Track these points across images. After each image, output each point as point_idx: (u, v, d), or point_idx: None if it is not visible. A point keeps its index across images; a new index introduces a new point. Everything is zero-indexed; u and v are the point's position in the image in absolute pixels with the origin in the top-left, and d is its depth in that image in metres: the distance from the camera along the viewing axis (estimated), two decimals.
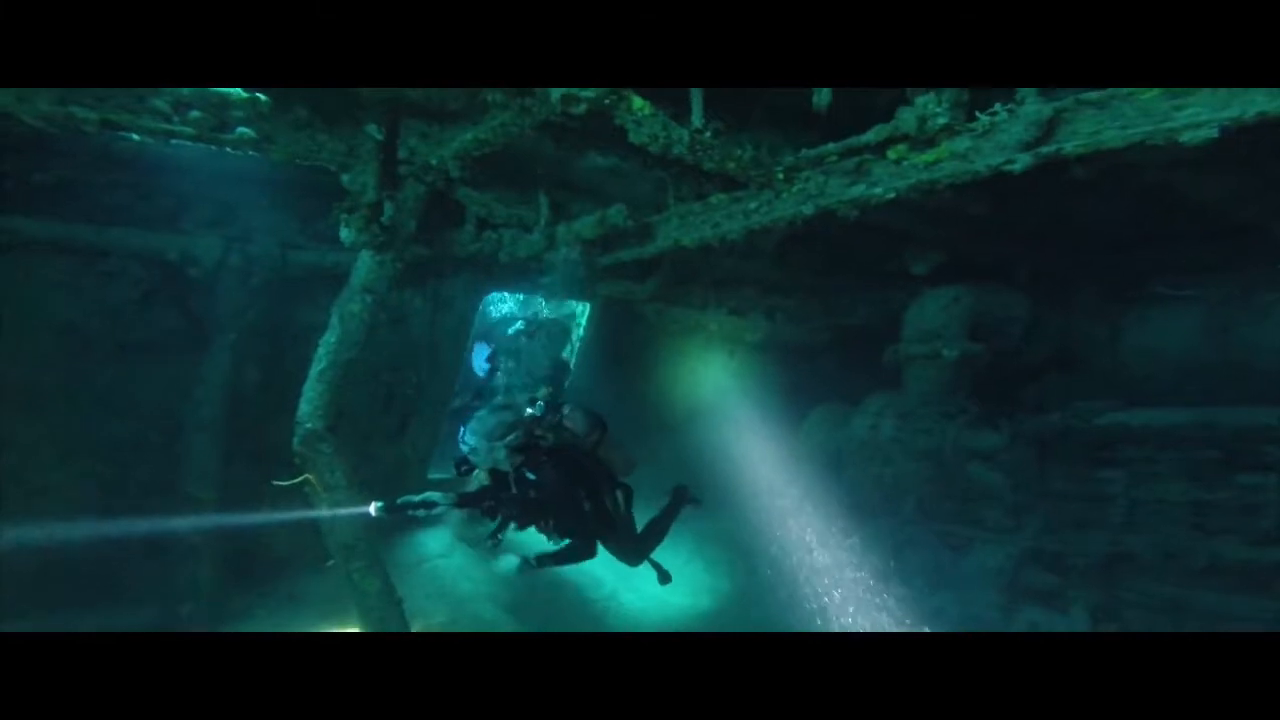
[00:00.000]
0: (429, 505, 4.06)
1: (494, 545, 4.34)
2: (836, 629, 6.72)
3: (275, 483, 4.66)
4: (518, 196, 5.60)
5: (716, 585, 8.06)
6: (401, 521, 6.76)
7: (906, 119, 3.50)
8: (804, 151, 4.14)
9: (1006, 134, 3.32)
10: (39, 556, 5.56)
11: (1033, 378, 7.58)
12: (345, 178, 4.62)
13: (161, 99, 3.82)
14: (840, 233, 5.15)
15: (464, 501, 4.22)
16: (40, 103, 3.57)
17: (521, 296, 9.34)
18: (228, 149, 4.27)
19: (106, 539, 5.54)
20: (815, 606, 6.96)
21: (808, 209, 4.17)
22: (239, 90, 4.03)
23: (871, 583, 6.83)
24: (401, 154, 4.62)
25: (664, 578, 4.94)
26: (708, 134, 3.77)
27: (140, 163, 5.09)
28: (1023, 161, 3.29)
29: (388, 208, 4.57)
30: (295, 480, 4.67)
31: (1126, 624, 6.28)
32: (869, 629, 6.62)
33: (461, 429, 4.17)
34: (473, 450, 4.13)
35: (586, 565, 4.55)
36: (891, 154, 3.74)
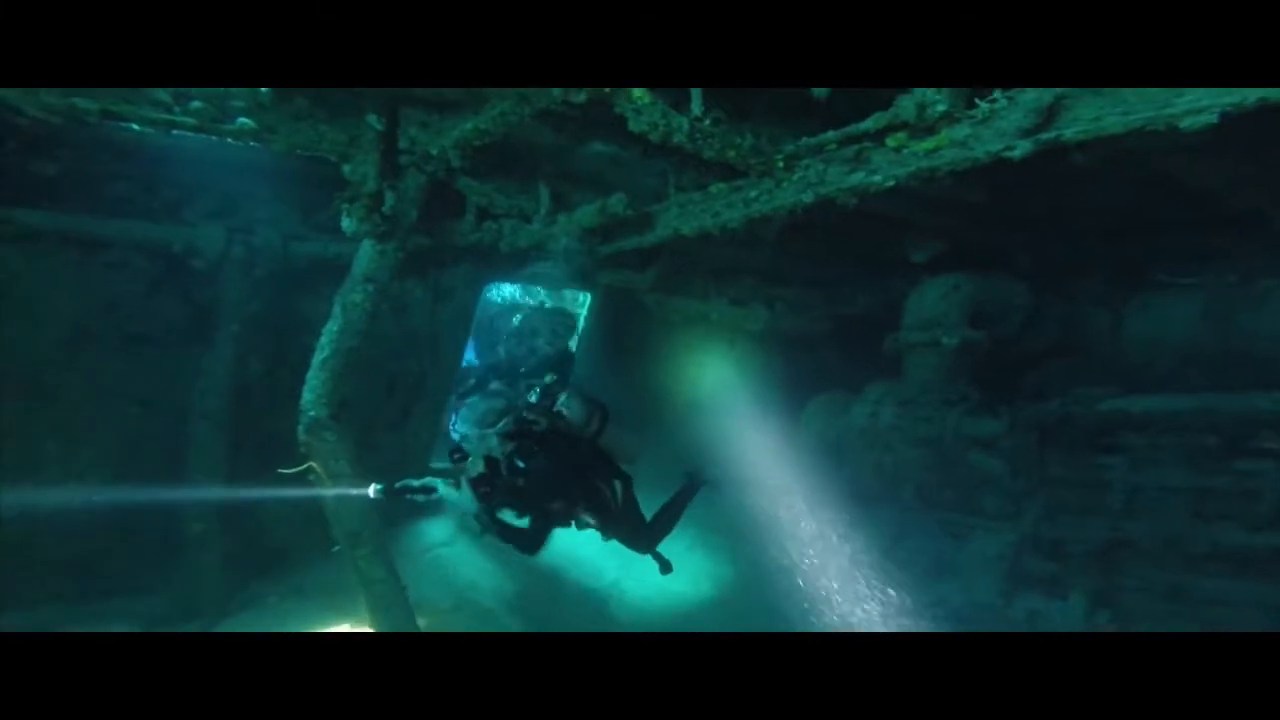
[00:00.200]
0: (428, 490, 4.08)
1: (486, 526, 4.30)
2: (836, 617, 6.76)
3: (281, 470, 4.70)
4: (518, 186, 5.61)
5: (719, 573, 8.09)
6: (406, 509, 6.81)
7: (906, 107, 3.50)
8: (804, 139, 4.14)
9: (1006, 121, 3.31)
10: (46, 548, 5.64)
11: (1033, 365, 7.57)
12: (346, 168, 4.63)
13: (162, 89, 3.85)
14: (840, 221, 5.15)
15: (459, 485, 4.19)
16: (43, 94, 3.59)
17: (522, 286, 9.37)
18: (229, 140, 4.29)
19: (114, 524, 5.60)
20: (816, 594, 6.99)
21: (808, 197, 4.17)
22: None
23: (871, 570, 6.85)
24: (402, 143, 4.63)
25: (665, 567, 4.96)
26: (707, 122, 3.77)
27: (143, 154, 5.11)
28: (1023, 148, 3.28)
29: (389, 197, 4.59)
30: (300, 468, 4.71)
31: (1126, 610, 6.31)
32: (869, 616, 6.66)
33: (453, 417, 4.18)
34: (464, 438, 4.15)
35: (589, 554, 4.55)
36: (891, 141, 3.73)
